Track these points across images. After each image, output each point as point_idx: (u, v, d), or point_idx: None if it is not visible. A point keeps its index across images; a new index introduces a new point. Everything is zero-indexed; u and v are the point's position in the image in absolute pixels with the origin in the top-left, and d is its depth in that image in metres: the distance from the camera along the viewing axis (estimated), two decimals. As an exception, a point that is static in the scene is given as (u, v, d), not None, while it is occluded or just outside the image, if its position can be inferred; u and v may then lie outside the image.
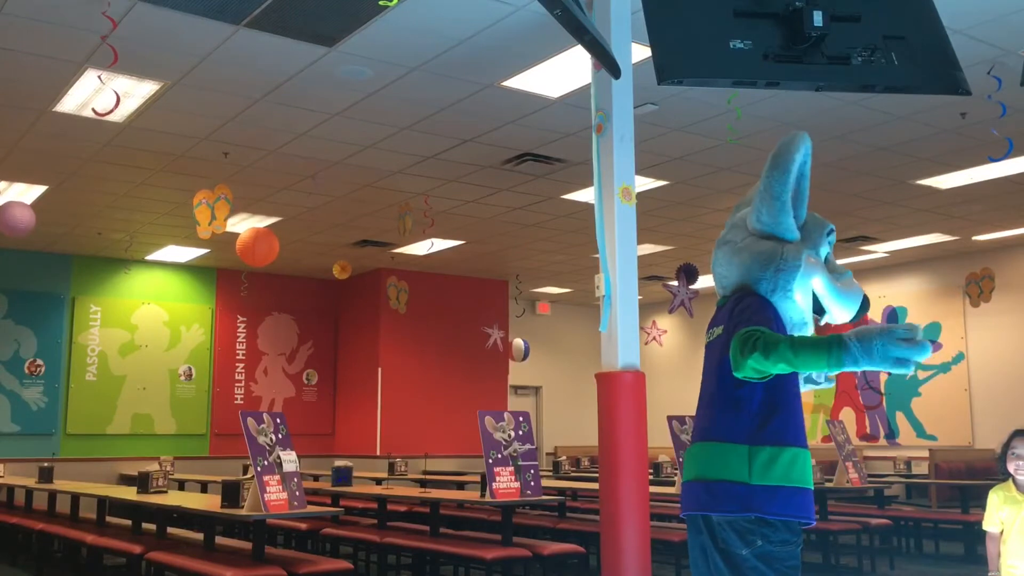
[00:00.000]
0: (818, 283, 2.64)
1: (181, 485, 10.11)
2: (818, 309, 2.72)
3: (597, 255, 4.38)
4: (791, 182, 2.61)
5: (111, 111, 6.28)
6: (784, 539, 2.47)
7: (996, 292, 11.45)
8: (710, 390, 2.65)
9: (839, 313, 2.71)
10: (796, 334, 2.62)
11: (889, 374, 12.56)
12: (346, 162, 8.04)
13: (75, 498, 8.26)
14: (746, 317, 2.55)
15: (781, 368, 2.36)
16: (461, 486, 9.48)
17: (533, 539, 6.85)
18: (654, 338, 13.13)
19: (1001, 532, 3.63)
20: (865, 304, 2.74)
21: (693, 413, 7.79)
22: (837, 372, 2.39)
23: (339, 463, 7.93)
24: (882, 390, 12.63)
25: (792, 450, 2.50)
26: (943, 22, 3.24)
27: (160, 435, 12.18)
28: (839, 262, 2.85)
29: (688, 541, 2.70)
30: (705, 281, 11.47)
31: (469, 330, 13.56)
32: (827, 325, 2.79)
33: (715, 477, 2.51)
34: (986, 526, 3.69)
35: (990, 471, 10.27)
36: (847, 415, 12.85)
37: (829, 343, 2.28)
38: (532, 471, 6.01)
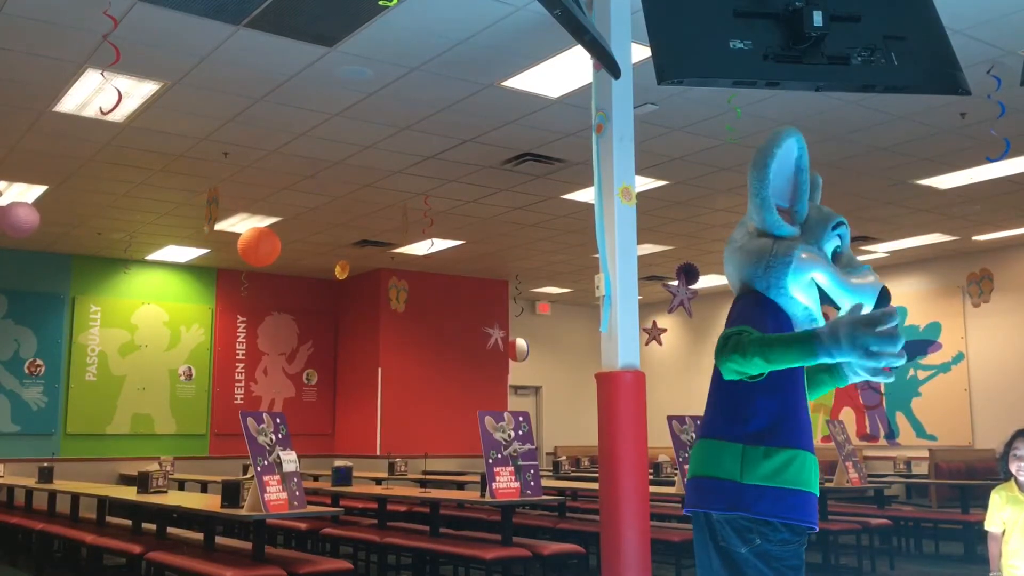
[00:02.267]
0: (821, 277, 2.60)
1: (181, 485, 10.11)
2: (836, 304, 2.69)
3: (597, 255, 4.38)
4: (769, 178, 2.58)
5: (113, 108, 6.28)
6: (784, 538, 2.46)
7: (996, 292, 11.45)
8: (711, 388, 2.67)
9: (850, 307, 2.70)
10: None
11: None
12: (346, 162, 8.04)
13: (75, 498, 8.26)
14: (733, 318, 2.59)
15: (758, 365, 2.37)
16: (461, 486, 9.48)
17: (533, 539, 6.85)
18: (654, 338, 13.13)
19: (1003, 532, 3.64)
20: (884, 297, 2.68)
21: (693, 413, 7.77)
22: (817, 363, 2.37)
23: (339, 463, 7.93)
24: (882, 390, 12.63)
25: (790, 452, 2.47)
26: (943, 22, 3.23)
27: (160, 435, 12.18)
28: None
29: (693, 537, 2.71)
30: (705, 281, 11.47)
31: (469, 330, 13.56)
32: None
33: (707, 474, 2.53)
34: (988, 526, 3.70)
35: (990, 471, 10.28)
36: (847, 415, 12.85)
37: (801, 337, 2.31)
38: (532, 471, 6.01)
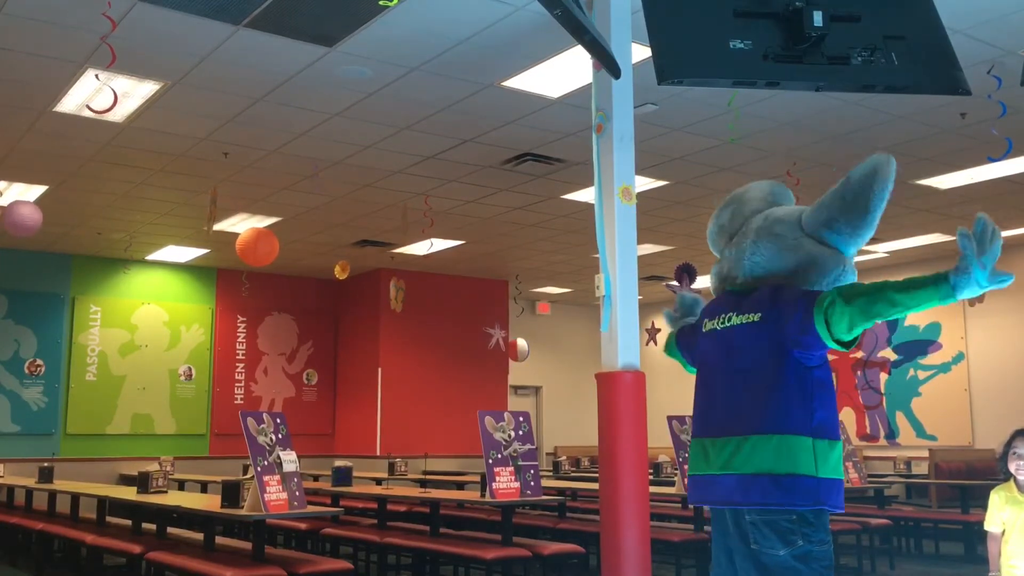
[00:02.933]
0: None
1: (181, 485, 10.11)
2: None
3: (597, 255, 4.38)
4: (887, 200, 2.60)
5: (109, 109, 6.28)
6: (822, 538, 2.45)
7: (996, 292, 11.43)
8: (756, 380, 2.57)
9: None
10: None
11: (890, 373, 12.55)
12: (346, 162, 8.04)
13: (75, 498, 8.26)
14: (799, 297, 2.58)
15: (884, 311, 2.37)
16: (461, 486, 9.47)
17: (533, 539, 6.85)
18: (652, 338, 13.15)
19: (1003, 532, 3.64)
20: None
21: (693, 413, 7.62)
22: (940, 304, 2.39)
23: (339, 463, 7.93)
24: (882, 390, 12.63)
25: (839, 443, 2.56)
26: (943, 22, 3.24)
27: (160, 435, 12.18)
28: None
29: (712, 540, 2.66)
30: (705, 281, 11.43)
31: (469, 330, 13.56)
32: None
33: (784, 471, 2.47)
34: (987, 526, 3.70)
35: (990, 471, 10.27)
36: (847, 415, 12.85)
37: (935, 280, 2.34)
38: (532, 471, 6.01)
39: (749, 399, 2.59)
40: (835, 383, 12.22)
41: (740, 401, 2.62)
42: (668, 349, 3.28)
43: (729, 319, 2.70)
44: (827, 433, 2.50)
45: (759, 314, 2.62)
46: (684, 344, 3.13)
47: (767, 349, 2.57)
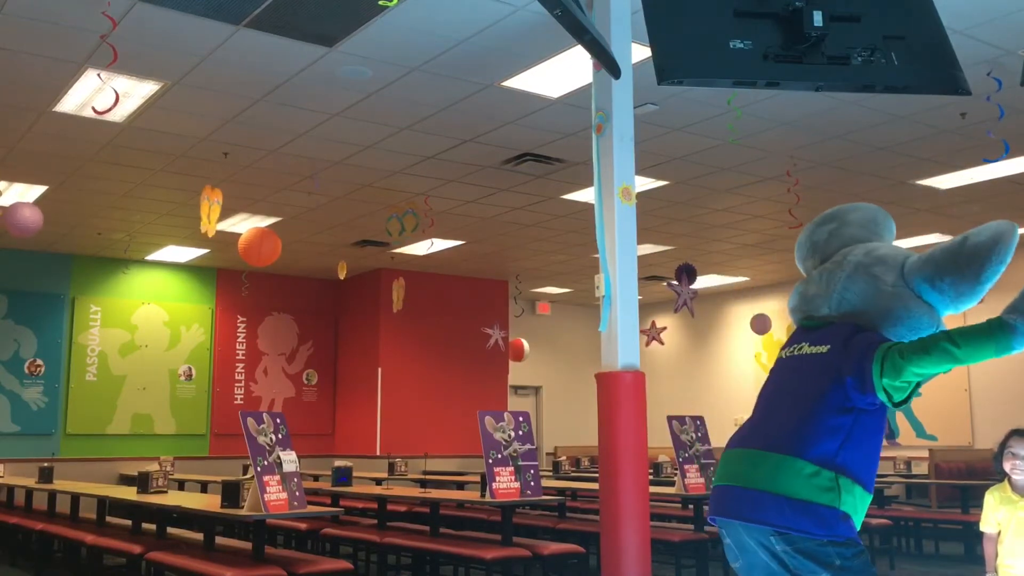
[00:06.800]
0: None
1: (181, 485, 10.11)
2: None
3: (597, 255, 4.38)
4: (1001, 272, 2.57)
5: (110, 109, 6.28)
6: (856, 551, 2.41)
7: (996, 292, 11.44)
8: (802, 404, 2.52)
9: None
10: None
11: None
12: (346, 162, 8.04)
13: (75, 498, 8.26)
14: (860, 341, 2.51)
15: (941, 363, 2.35)
16: (461, 486, 9.48)
17: (533, 539, 6.85)
18: (654, 338, 13.14)
19: (998, 533, 3.64)
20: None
21: (693, 413, 7.73)
22: (1006, 355, 2.35)
23: (339, 463, 7.93)
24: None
25: (867, 495, 2.47)
26: (943, 22, 3.24)
27: (160, 435, 12.18)
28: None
29: (733, 545, 2.58)
30: (706, 281, 11.45)
31: (469, 330, 13.56)
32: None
33: (806, 498, 2.40)
34: (983, 527, 3.70)
35: (990, 471, 10.25)
36: (847, 415, 12.83)
37: (990, 326, 2.32)
38: (532, 471, 6.02)
39: (786, 418, 2.52)
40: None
41: (778, 418, 2.56)
42: None
43: (801, 348, 2.65)
44: (855, 476, 2.44)
45: (827, 346, 2.56)
46: None
47: (824, 381, 2.50)
